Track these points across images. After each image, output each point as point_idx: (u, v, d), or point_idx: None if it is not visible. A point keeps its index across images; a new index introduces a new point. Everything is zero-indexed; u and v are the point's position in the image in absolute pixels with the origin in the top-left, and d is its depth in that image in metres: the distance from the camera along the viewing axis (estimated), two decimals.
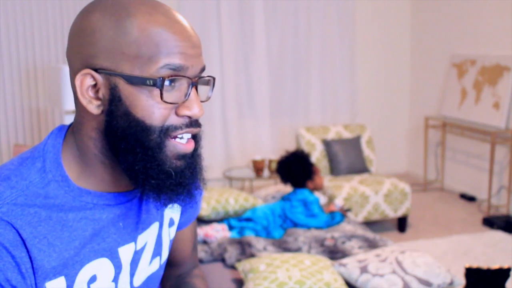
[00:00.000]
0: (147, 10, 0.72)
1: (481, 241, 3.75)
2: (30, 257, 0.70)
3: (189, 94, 0.74)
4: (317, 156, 4.34)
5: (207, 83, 0.80)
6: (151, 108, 0.72)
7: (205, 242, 2.76)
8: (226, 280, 2.38)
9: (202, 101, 0.77)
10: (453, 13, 4.99)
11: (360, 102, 5.53)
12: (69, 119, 3.48)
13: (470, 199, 4.74)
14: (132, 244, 0.83)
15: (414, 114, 5.70)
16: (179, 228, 0.99)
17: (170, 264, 1.05)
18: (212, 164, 4.98)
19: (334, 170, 4.29)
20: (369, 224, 4.09)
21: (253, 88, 5.11)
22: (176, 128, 0.74)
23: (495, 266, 2.37)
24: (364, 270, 2.25)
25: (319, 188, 3.17)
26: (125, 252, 0.82)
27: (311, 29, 5.16)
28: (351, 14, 5.27)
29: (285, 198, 3.08)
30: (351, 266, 2.30)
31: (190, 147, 0.77)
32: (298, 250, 2.62)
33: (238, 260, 2.49)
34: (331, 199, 3.78)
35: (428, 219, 4.33)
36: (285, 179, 3.13)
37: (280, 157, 3.18)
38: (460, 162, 5.00)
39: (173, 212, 0.94)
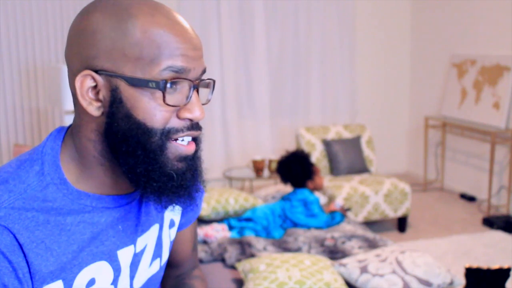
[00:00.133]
0: (149, 11, 0.71)
1: (481, 241, 3.75)
2: (27, 262, 0.70)
3: (191, 96, 0.73)
4: (317, 156, 4.34)
5: (207, 85, 0.79)
6: (152, 111, 0.71)
7: (205, 242, 2.76)
8: (226, 280, 2.37)
9: (202, 104, 0.76)
10: (453, 13, 4.99)
11: (360, 102, 5.53)
12: (69, 119, 3.48)
13: (470, 199, 4.74)
14: (132, 246, 0.83)
15: (414, 114, 5.70)
16: (179, 228, 0.98)
17: (170, 264, 1.04)
18: (212, 164, 4.98)
19: (334, 170, 4.29)
20: (369, 224, 4.09)
21: (253, 88, 5.11)
22: (177, 130, 0.73)
23: (495, 266, 2.37)
24: (364, 270, 2.25)
25: (319, 188, 3.17)
26: (124, 255, 0.81)
27: (311, 29, 5.16)
28: (351, 14, 5.27)
29: (285, 198, 3.07)
30: (351, 266, 2.30)
31: (191, 149, 0.76)
32: (298, 250, 2.62)
33: (238, 260, 2.49)
34: (331, 199, 3.78)
35: (428, 219, 4.33)
36: (285, 179, 3.13)
37: (280, 157, 3.18)
38: (460, 162, 5.00)
39: (173, 213, 0.93)
